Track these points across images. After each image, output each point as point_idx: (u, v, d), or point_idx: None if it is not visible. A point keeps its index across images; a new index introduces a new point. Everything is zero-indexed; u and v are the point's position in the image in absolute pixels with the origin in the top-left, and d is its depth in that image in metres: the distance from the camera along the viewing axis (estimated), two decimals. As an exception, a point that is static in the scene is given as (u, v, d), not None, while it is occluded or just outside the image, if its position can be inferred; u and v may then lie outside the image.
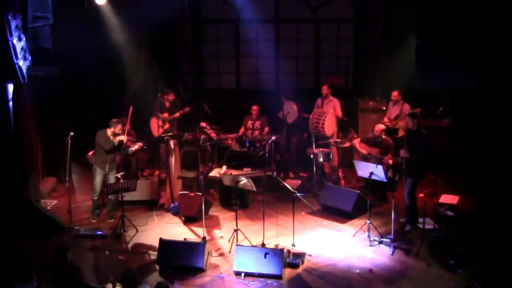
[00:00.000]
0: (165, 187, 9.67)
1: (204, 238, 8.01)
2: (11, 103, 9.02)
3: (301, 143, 11.09)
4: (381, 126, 9.52)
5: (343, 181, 10.29)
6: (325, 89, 10.86)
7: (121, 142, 8.84)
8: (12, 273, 6.40)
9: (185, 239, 8.13)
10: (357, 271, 7.27)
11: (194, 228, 8.72)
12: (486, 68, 8.48)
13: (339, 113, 10.74)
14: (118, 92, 12.49)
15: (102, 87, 11.55)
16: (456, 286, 6.79)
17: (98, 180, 8.94)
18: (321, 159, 10.21)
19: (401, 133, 10.26)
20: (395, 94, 10.55)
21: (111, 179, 8.96)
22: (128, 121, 9.04)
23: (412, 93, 11.02)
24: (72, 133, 8.67)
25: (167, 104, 11.09)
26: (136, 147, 9.31)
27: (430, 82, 11.10)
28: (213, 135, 10.75)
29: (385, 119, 10.58)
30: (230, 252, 7.75)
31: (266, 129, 10.85)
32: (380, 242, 8.02)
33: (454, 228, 8.22)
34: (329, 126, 10.25)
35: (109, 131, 8.81)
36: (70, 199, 8.88)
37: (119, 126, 8.82)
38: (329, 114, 10.31)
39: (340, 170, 10.38)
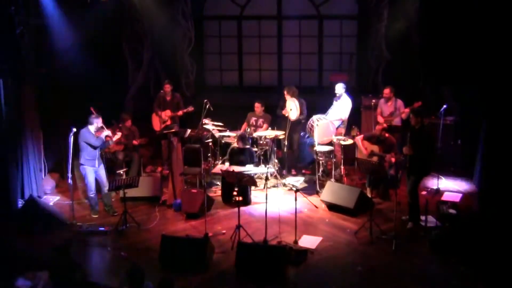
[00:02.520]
0: (168, 184, 9.68)
1: (206, 234, 8.00)
2: (13, 99, 9.05)
3: (303, 140, 11.06)
4: (383, 125, 9.49)
5: (345, 178, 10.27)
6: (339, 88, 10.68)
7: (107, 136, 8.93)
8: (14, 269, 6.41)
9: (187, 235, 8.13)
10: (359, 268, 7.26)
11: (196, 225, 8.73)
12: (489, 64, 8.46)
13: (343, 115, 10.64)
14: (121, 89, 12.50)
15: (105, 83, 11.55)
16: (458, 284, 6.79)
17: (91, 178, 8.94)
18: (323, 156, 10.19)
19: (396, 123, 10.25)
20: (387, 91, 10.49)
21: (102, 174, 9.01)
22: (105, 128, 9.00)
23: (415, 90, 11.02)
24: (74, 129, 8.68)
25: (168, 98, 11.07)
26: (117, 137, 9.30)
27: (433, 79, 11.12)
28: (215, 131, 10.75)
29: (378, 118, 10.49)
30: (232, 248, 7.75)
31: (265, 126, 10.82)
32: (382, 240, 8.00)
33: (457, 226, 8.19)
34: (321, 134, 10.20)
35: (92, 128, 8.84)
36: (72, 196, 8.89)
37: (100, 120, 8.87)
38: (319, 125, 10.24)
39: (343, 167, 10.36)
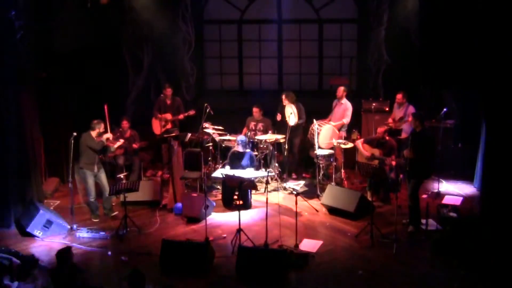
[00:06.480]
0: (168, 188, 9.68)
1: (206, 238, 8.00)
2: (13, 104, 9.05)
3: (304, 144, 11.06)
4: (383, 128, 9.50)
5: (346, 182, 10.27)
6: (340, 91, 10.71)
7: (108, 139, 8.93)
8: (14, 273, 6.41)
9: (187, 239, 8.13)
10: (360, 272, 7.25)
11: (196, 229, 8.72)
12: (489, 67, 8.45)
13: (345, 120, 10.63)
14: (121, 93, 12.51)
15: (105, 87, 11.56)
16: (459, 287, 6.78)
17: (90, 182, 8.95)
18: (324, 160, 10.19)
19: (403, 135, 10.23)
20: (399, 96, 10.51)
21: (103, 178, 9.02)
22: (108, 121, 8.98)
23: (415, 94, 11.02)
24: (75, 134, 8.68)
25: (168, 102, 11.07)
26: (119, 143, 9.30)
27: (433, 82, 11.11)
28: (215, 135, 10.75)
29: (389, 120, 10.56)
30: (232, 253, 7.74)
31: (270, 131, 10.80)
32: (383, 243, 7.99)
33: (458, 230, 8.18)
34: (326, 138, 10.21)
35: (94, 133, 8.86)
36: (73, 200, 8.89)
37: (102, 125, 8.89)
38: (323, 129, 10.26)
39: (343, 170, 10.36)
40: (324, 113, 10.93)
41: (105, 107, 8.93)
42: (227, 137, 10.74)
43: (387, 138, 9.42)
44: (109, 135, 8.95)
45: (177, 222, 9.03)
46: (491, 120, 8.86)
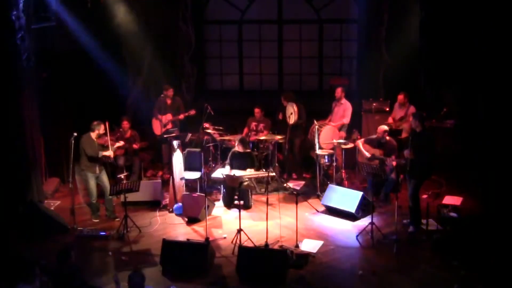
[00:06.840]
0: (168, 188, 9.68)
1: (207, 238, 8.00)
2: (13, 104, 9.05)
3: (304, 144, 11.06)
4: (383, 128, 9.48)
5: (346, 182, 10.27)
6: (338, 91, 10.72)
7: (106, 157, 8.85)
8: (15, 273, 6.40)
9: (188, 239, 8.13)
10: (360, 272, 7.24)
11: (197, 229, 8.72)
12: (490, 67, 8.47)
13: (346, 120, 10.65)
14: (122, 93, 12.50)
15: (105, 88, 11.55)
16: (459, 287, 6.78)
17: (92, 183, 8.91)
18: (324, 160, 10.18)
19: (404, 135, 10.23)
20: (401, 97, 10.48)
21: (104, 179, 8.99)
22: (109, 137, 8.92)
23: (416, 94, 11.01)
24: (75, 134, 8.67)
25: (168, 102, 11.06)
26: (118, 145, 9.26)
27: (433, 82, 11.12)
28: (216, 136, 10.75)
29: (390, 120, 10.55)
30: (233, 253, 7.74)
31: (265, 132, 10.83)
32: (384, 243, 7.99)
33: (458, 230, 8.18)
34: (326, 138, 10.22)
35: (93, 135, 8.79)
36: (73, 200, 8.88)
37: (102, 127, 8.80)
38: (324, 129, 10.26)
39: (344, 171, 10.36)
40: (324, 113, 10.93)
41: (107, 124, 8.86)
42: (228, 137, 10.74)
43: (387, 138, 9.41)
44: (110, 152, 8.85)
45: (178, 222, 9.03)
46: (491, 120, 8.88)
